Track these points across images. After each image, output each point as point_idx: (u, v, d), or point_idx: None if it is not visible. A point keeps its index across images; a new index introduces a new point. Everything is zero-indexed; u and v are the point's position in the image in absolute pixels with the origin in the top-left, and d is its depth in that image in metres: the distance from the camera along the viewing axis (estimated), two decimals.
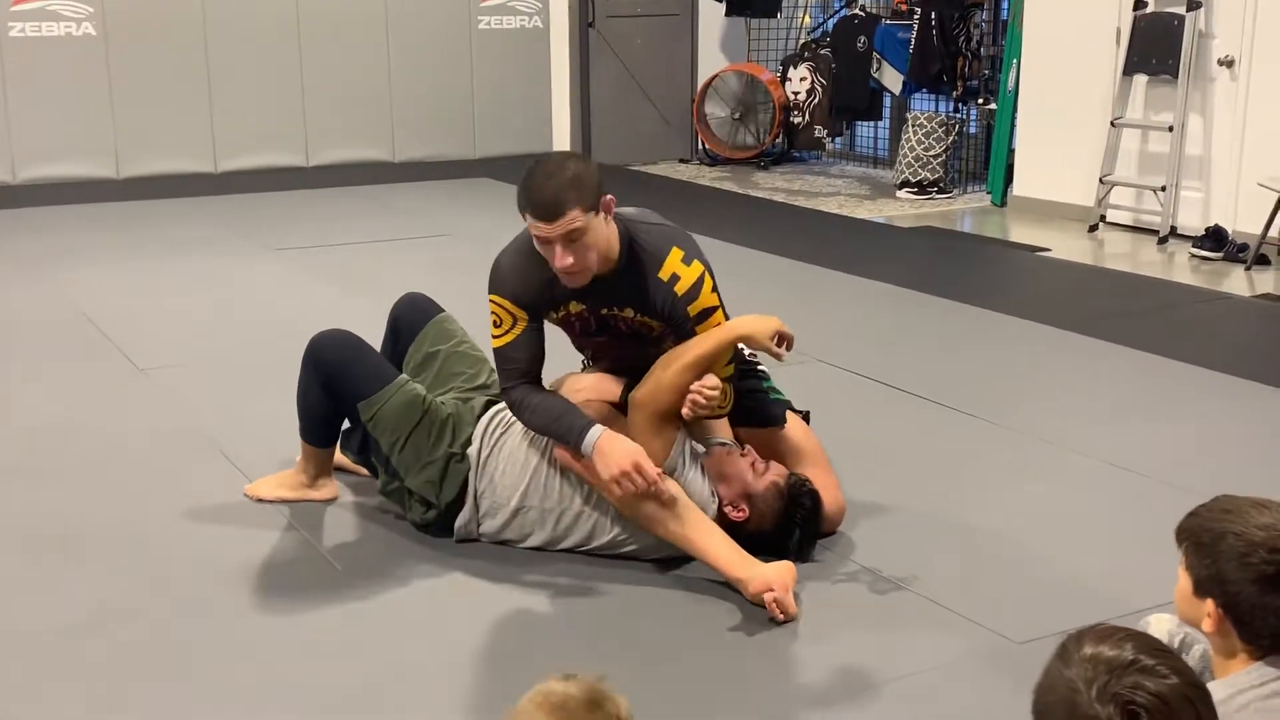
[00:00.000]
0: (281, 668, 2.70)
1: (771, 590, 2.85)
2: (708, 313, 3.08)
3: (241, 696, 2.59)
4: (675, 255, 3.07)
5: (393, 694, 2.60)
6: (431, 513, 3.24)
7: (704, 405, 3.02)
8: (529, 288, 3.08)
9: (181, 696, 2.59)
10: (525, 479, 3.16)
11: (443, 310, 3.60)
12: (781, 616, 2.85)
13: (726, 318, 3.11)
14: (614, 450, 2.97)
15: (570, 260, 2.93)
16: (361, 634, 2.84)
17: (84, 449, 3.92)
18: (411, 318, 3.56)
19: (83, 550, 3.24)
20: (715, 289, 3.10)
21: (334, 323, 3.48)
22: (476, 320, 3.74)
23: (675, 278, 3.05)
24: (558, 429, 3.06)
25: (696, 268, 3.07)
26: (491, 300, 3.11)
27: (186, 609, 2.95)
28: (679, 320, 3.08)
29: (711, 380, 3.01)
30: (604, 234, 2.98)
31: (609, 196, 2.99)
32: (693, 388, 3.00)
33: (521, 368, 3.10)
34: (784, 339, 3.04)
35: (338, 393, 3.29)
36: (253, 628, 2.87)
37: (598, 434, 3.00)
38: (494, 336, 3.12)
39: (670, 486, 3.03)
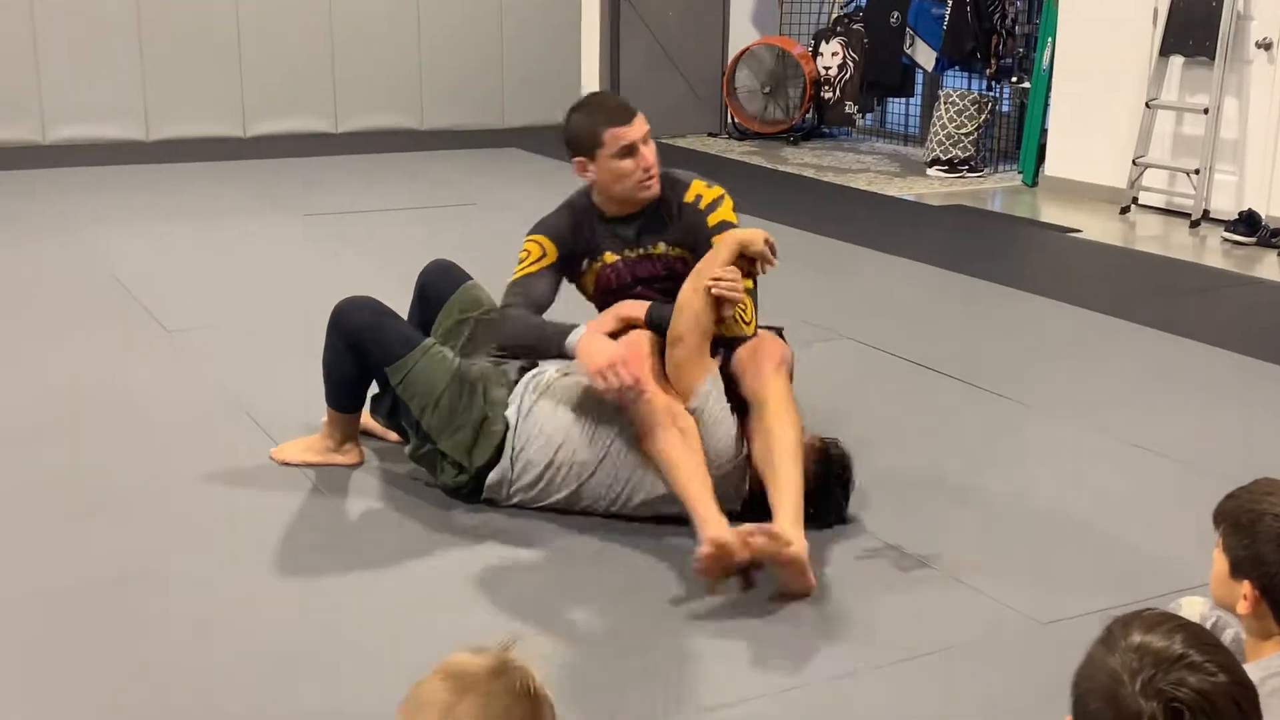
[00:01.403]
0: (304, 632, 2.71)
1: (709, 549, 2.77)
2: (725, 225, 3.27)
3: (264, 659, 2.60)
4: (699, 183, 3.36)
5: (415, 659, 2.60)
6: (463, 476, 3.24)
7: (729, 288, 3.07)
8: (570, 229, 3.35)
9: (204, 658, 2.60)
10: (560, 436, 3.17)
11: (470, 278, 3.60)
12: (699, 569, 2.80)
13: None
14: (597, 347, 3.07)
15: (652, 160, 3.25)
16: (386, 600, 2.85)
17: (111, 410, 3.93)
18: (439, 284, 3.57)
19: (108, 511, 3.26)
20: (734, 210, 3.32)
21: (361, 288, 3.49)
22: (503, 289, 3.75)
23: (699, 198, 3.33)
24: (540, 334, 3.19)
25: (717, 189, 3.35)
26: (527, 239, 3.35)
27: (210, 571, 2.96)
28: (699, 229, 3.27)
29: (729, 269, 3.10)
30: None
31: None
32: (708, 281, 3.08)
33: (530, 295, 3.27)
34: (772, 246, 3.18)
35: (365, 358, 3.30)
36: (276, 591, 2.88)
37: (579, 333, 3.11)
38: (515, 271, 3.30)
39: (687, 422, 3.07)
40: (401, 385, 3.25)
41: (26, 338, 4.63)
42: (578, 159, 3.28)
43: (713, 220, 3.27)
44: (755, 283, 3.27)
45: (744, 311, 3.19)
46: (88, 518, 3.21)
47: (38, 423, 3.82)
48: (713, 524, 2.86)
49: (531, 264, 3.30)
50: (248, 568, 2.97)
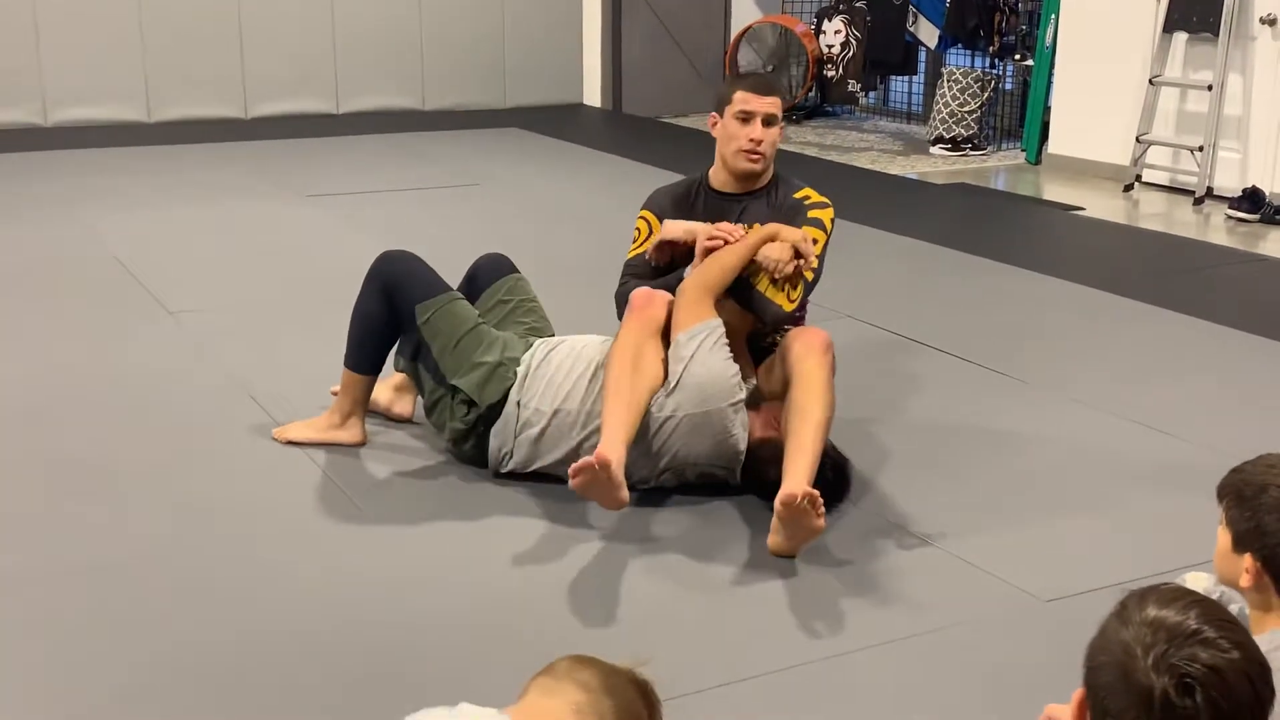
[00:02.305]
0: (306, 610, 2.71)
1: (593, 460, 2.82)
2: (817, 224, 3.36)
3: (265, 638, 2.61)
4: (812, 189, 3.49)
5: (418, 636, 2.61)
6: (473, 414, 3.28)
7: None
8: (674, 200, 3.51)
9: (206, 637, 2.61)
10: (568, 386, 3.24)
11: (519, 271, 3.70)
12: (573, 472, 2.84)
13: (824, 249, 3.38)
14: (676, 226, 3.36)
15: (761, 135, 3.38)
16: (390, 574, 2.85)
17: (114, 391, 3.94)
18: (490, 271, 3.69)
19: (110, 491, 3.26)
20: (834, 222, 3.42)
21: (364, 269, 3.49)
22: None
23: (807, 197, 3.45)
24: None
25: (826, 200, 3.45)
26: (639, 215, 3.52)
27: (213, 550, 2.96)
28: (795, 217, 3.37)
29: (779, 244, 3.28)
30: (776, 146, 3.45)
31: (783, 126, 3.54)
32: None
33: (640, 272, 3.43)
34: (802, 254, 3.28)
35: (397, 300, 3.39)
36: (279, 571, 2.88)
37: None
38: (630, 251, 3.47)
39: (651, 356, 3.13)
40: (427, 323, 3.33)
41: (29, 320, 4.64)
42: (712, 114, 3.50)
43: (811, 215, 3.37)
44: (816, 276, 3.36)
45: (791, 290, 3.27)
46: (90, 498, 3.21)
47: (40, 404, 3.83)
48: (610, 445, 2.91)
49: (641, 242, 3.47)
50: (252, 547, 2.98)
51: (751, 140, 3.38)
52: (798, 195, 3.45)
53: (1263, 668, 1.38)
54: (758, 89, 3.43)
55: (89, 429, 3.65)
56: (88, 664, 2.50)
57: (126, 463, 3.43)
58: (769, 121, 3.40)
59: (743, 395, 3.16)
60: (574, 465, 2.85)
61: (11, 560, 2.90)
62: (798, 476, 2.92)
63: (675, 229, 3.37)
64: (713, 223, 3.37)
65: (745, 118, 3.39)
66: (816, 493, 2.82)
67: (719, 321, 3.21)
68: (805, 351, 3.17)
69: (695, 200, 3.50)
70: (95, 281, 5.12)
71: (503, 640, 2.61)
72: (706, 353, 3.13)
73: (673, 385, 3.13)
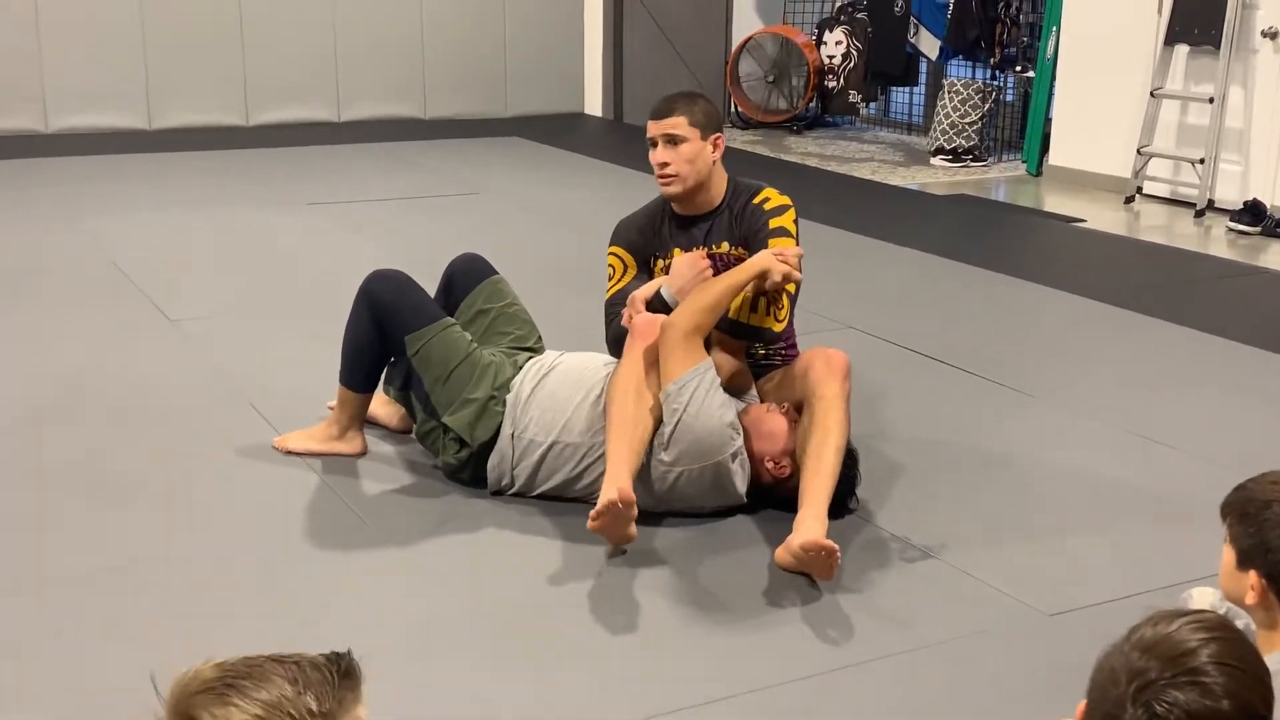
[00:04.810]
0: (305, 619, 2.70)
1: (605, 502, 2.83)
2: (782, 231, 3.32)
3: (265, 647, 2.59)
4: (771, 190, 3.43)
5: (417, 648, 2.60)
6: (465, 452, 3.27)
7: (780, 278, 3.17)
8: (640, 231, 3.47)
9: (207, 645, 2.59)
10: (564, 416, 3.21)
11: (497, 272, 3.65)
12: (592, 517, 2.85)
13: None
14: (678, 272, 3.30)
15: (664, 158, 3.31)
16: (386, 588, 2.85)
17: (114, 399, 3.93)
18: (466, 276, 3.63)
19: (111, 498, 3.25)
20: (796, 223, 3.38)
21: (364, 278, 3.48)
22: (516, 278, 3.73)
23: (767, 199, 3.39)
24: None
25: (786, 200, 3.41)
26: (609, 253, 3.49)
27: (213, 559, 2.96)
28: (758, 226, 3.33)
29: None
30: (704, 160, 3.35)
31: (720, 137, 3.38)
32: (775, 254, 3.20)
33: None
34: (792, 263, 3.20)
35: (387, 327, 3.35)
36: (278, 579, 2.88)
37: (666, 288, 3.29)
38: (607, 290, 3.44)
39: (647, 391, 3.08)
40: (418, 355, 3.30)
41: (29, 326, 4.63)
42: None
43: (773, 223, 3.33)
44: (798, 287, 3.31)
45: (778, 310, 3.26)
46: (91, 505, 3.21)
47: (41, 411, 3.82)
48: (616, 479, 2.91)
49: (617, 280, 3.44)
50: (249, 556, 2.97)
51: (657, 165, 3.34)
52: (757, 200, 3.39)
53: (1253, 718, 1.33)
54: (654, 113, 3.37)
55: (89, 436, 3.64)
56: (83, 673, 2.49)
57: (126, 470, 3.42)
58: (671, 141, 3.31)
59: (740, 442, 3.11)
60: (595, 510, 2.86)
61: (9, 566, 2.89)
62: (818, 508, 2.93)
63: (643, 296, 3.32)
64: (682, 247, 3.38)
65: (651, 144, 3.35)
66: (837, 549, 2.81)
67: (709, 363, 3.13)
68: (828, 374, 3.14)
69: (661, 228, 3.45)
70: (96, 288, 5.11)
71: (505, 652, 2.60)
72: (700, 403, 3.06)
73: (667, 437, 3.07)
